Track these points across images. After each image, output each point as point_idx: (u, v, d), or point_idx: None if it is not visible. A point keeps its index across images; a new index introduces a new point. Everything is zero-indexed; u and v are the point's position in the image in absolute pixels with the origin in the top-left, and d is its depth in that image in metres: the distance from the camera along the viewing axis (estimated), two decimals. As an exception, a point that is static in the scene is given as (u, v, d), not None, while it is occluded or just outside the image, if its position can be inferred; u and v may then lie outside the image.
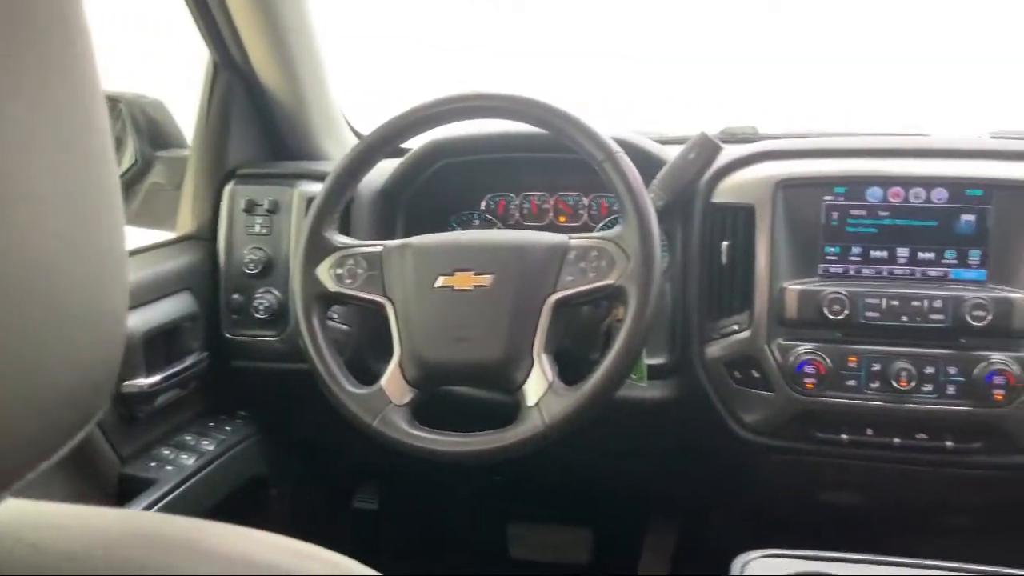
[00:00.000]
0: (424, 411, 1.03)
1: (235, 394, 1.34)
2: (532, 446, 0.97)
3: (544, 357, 0.99)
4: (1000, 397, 1.05)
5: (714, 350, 1.14)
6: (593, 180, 1.05)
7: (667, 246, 1.18)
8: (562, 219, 1.33)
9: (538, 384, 0.98)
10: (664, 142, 1.24)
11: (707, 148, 1.08)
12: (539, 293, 1.00)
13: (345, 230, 1.14)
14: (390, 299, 1.03)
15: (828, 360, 1.09)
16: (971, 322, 1.04)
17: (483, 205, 1.35)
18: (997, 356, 1.05)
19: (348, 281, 1.05)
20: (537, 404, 0.98)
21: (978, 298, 1.04)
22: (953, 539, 1.23)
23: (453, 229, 1.33)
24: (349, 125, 1.49)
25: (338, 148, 1.43)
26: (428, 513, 1.67)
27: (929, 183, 1.08)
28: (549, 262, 1.01)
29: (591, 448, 1.27)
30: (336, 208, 1.08)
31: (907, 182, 1.09)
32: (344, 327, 1.23)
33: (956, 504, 1.21)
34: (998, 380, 1.05)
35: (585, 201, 1.32)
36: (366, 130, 1.31)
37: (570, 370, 1.02)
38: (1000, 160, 1.09)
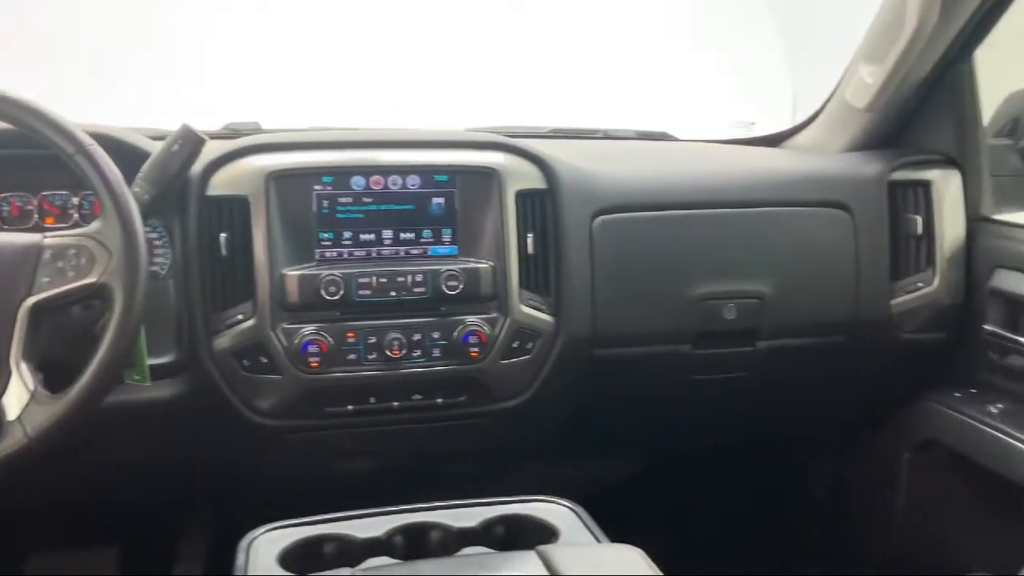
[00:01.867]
0: None
1: None
2: (18, 463, 0.90)
3: (23, 366, 0.92)
4: (475, 354, 1.21)
5: (222, 342, 1.16)
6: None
7: (167, 241, 1.17)
8: (49, 220, 1.23)
9: (18, 396, 0.91)
10: (156, 138, 1.22)
11: (190, 140, 1.08)
12: (11, 298, 0.93)
13: None
14: None
15: (330, 338, 1.16)
16: (447, 291, 1.19)
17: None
18: (471, 319, 1.21)
19: None
20: (19, 417, 0.91)
21: (451, 270, 1.19)
22: (462, 484, 1.39)
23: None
24: None
25: None
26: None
27: (404, 171, 1.21)
28: (21, 264, 0.94)
29: (104, 459, 1.21)
30: None
31: (386, 170, 1.20)
32: None
33: (456, 452, 1.36)
34: (473, 340, 1.21)
35: (75, 200, 1.24)
36: None
37: (64, 378, 0.96)
38: (462, 149, 1.25)
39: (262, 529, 0.94)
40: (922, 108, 1.38)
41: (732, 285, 1.30)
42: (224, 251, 1.15)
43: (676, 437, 1.51)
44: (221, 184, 1.16)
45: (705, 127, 1.61)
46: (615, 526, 0.97)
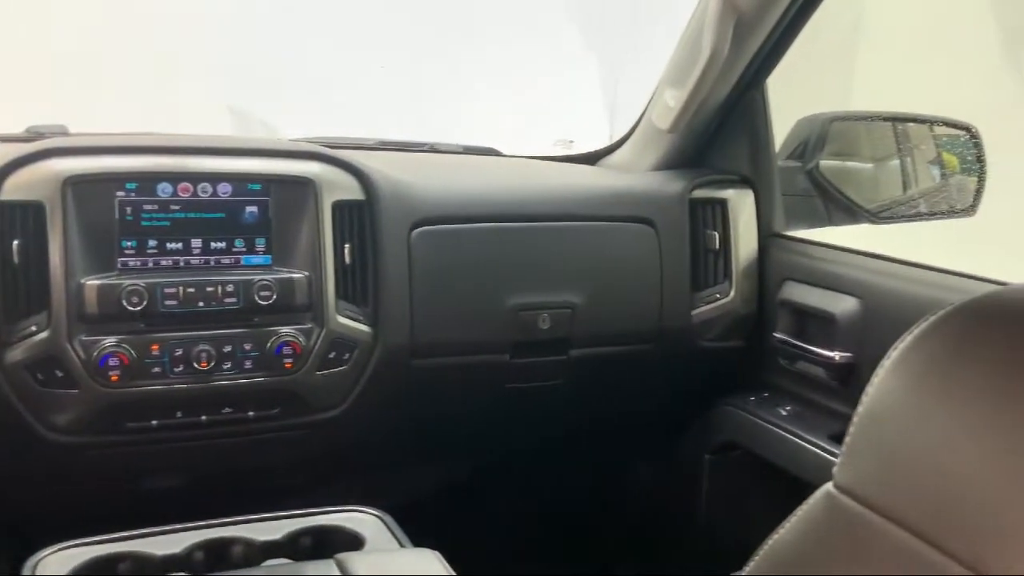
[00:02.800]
0: None
1: None
2: None
3: None
4: (290, 365, 1.20)
5: (14, 354, 1.09)
6: None
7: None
8: None
9: None
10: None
11: (-26, 143, 1.03)
12: None
13: None
14: None
15: (132, 351, 1.12)
16: (260, 302, 1.17)
17: None
18: (285, 330, 1.20)
19: None
20: None
21: (264, 280, 1.18)
22: (281, 498, 1.37)
23: None
24: None
25: None
26: None
27: (214, 178, 1.18)
28: None
29: None
30: None
31: (195, 178, 1.18)
32: None
33: (274, 466, 1.34)
34: (287, 351, 1.19)
35: None
36: None
37: None
38: (276, 158, 1.24)
39: (51, 548, 0.90)
40: (720, 131, 1.48)
41: (546, 296, 1.35)
42: (16, 259, 1.09)
43: (496, 444, 1.55)
44: (14, 189, 1.10)
45: (530, 145, 1.67)
46: (435, 533, 0.98)
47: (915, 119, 1.54)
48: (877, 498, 0.46)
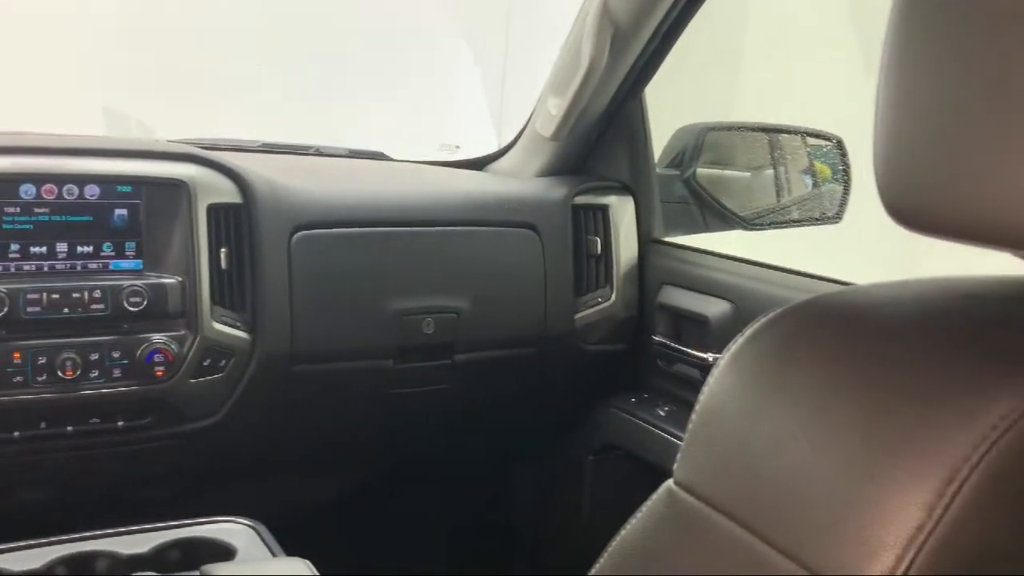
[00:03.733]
0: None
1: None
2: None
3: None
4: (161, 374, 1.16)
5: None
6: None
7: None
8: None
9: None
10: None
11: None
12: None
13: None
14: None
15: (-9, 360, 1.07)
16: (130, 308, 1.14)
17: None
18: (157, 337, 1.16)
19: None
20: None
21: (135, 285, 1.14)
22: (157, 510, 1.33)
23: None
24: None
25: None
26: None
27: (81, 180, 1.14)
28: None
29: None
30: None
31: (60, 179, 1.13)
32: None
33: (147, 477, 1.30)
34: (158, 358, 1.16)
35: None
36: None
37: None
38: (148, 159, 1.20)
39: None
40: (602, 140, 1.51)
41: (431, 301, 1.35)
42: None
43: (381, 451, 1.54)
44: None
45: (413, 150, 1.67)
46: (317, 544, 0.97)
47: (786, 130, 1.61)
48: (712, 493, 0.48)
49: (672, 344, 1.41)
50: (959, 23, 0.46)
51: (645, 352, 1.47)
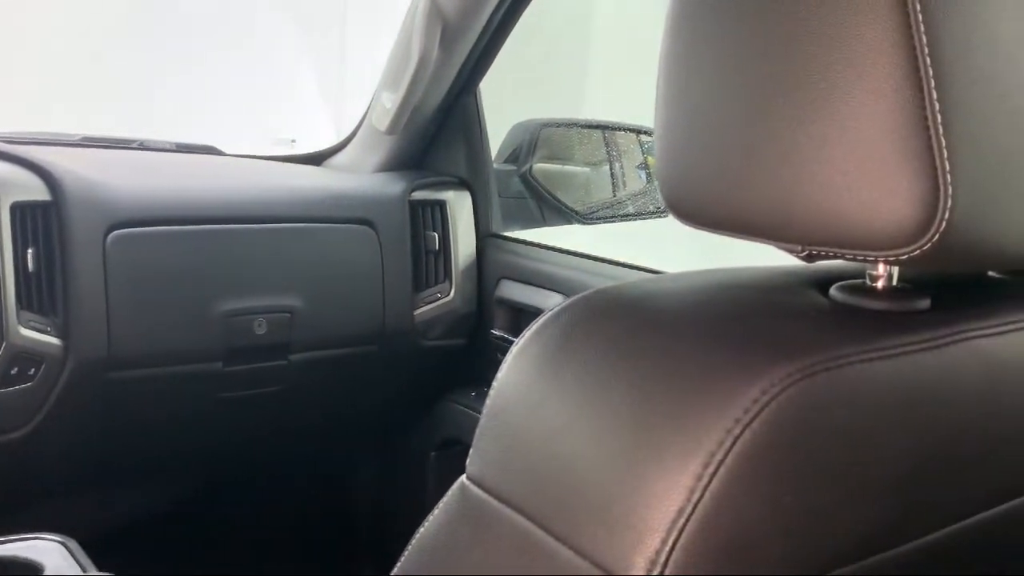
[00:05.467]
0: None
1: None
2: None
3: None
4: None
5: None
6: None
7: None
8: None
9: None
10: None
11: None
12: None
13: None
14: None
15: None
16: None
17: None
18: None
19: None
20: None
21: None
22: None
23: None
24: None
25: None
26: None
27: None
28: None
29: None
30: None
31: None
32: None
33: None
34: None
35: None
36: None
37: None
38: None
39: None
40: (439, 134, 1.51)
41: (262, 300, 1.31)
42: None
43: (215, 458, 1.48)
44: None
45: (246, 143, 1.61)
46: (146, 559, 0.92)
47: (619, 127, 1.66)
48: (499, 486, 0.49)
49: (510, 338, 1.43)
50: (726, 25, 0.48)
51: (485, 346, 1.48)
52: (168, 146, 1.58)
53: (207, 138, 1.62)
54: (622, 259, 1.33)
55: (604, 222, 1.62)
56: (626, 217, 1.65)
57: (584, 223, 1.59)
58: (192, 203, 1.30)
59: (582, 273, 1.36)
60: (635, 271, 1.29)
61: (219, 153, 1.62)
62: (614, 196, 1.73)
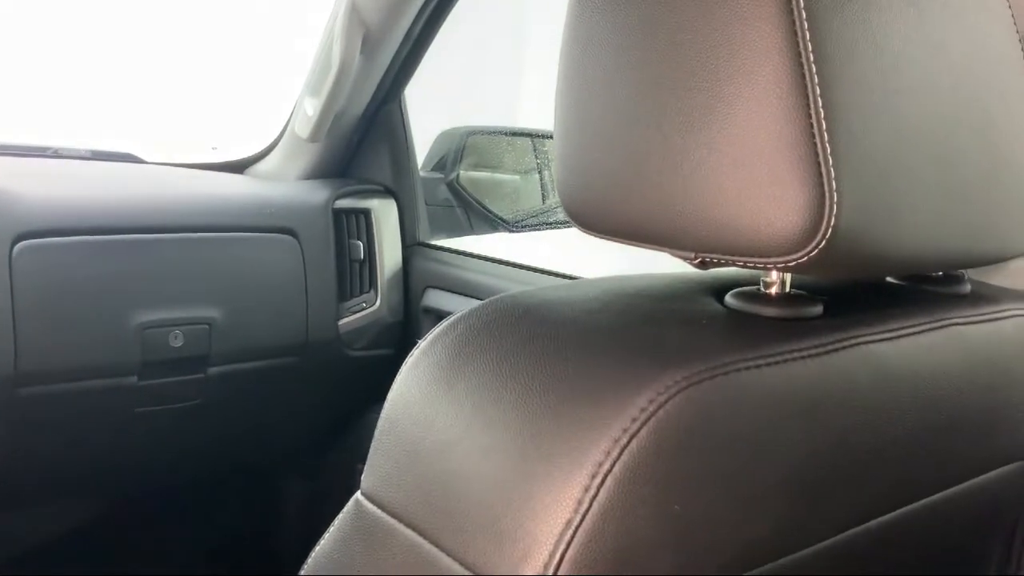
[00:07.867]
0: None
1: None
2: None
3: None
4: None
5: None
6: None
7: None
8: None
9: None
10: None
11: None
12: None
13: None
14: None
15: None
16: None
17: None
18: None
19: None
20: None
21: None
22: None
23: None
24: None
25: None
26: None
27: None
28: None
29: None
30: None
31: None
32: None
33: None
34: None
35: None
36: None
37: None
38: None
39: None
40: (363, 142, 1.49)
41: (178, 312, 1.28)
42: None
43: (132, 477, 1.43)
44: None
45: (173, 150, 1.57)
46: None
47: (546, 135, 1.66)
48: (391, 501, 0.47)
49: (438, 347, 1.41)
50: (618, 33, 0.48)
51: (412, 356, 1.46)
52: (84, 153, 1.53)
53: (128, 145, 1.58)
54: (549, 267, 1.32)
55: (532, 230, 1.61)
56: (555, 225, 1.65)
57: (512, 231, 1.59)
58: (106, 212, 1.26)
59: (509, 282, 1.35)
60: (562, 279, 1.28)
61: (137, 160, 1.58)
62: (543, 204, 1.73)
